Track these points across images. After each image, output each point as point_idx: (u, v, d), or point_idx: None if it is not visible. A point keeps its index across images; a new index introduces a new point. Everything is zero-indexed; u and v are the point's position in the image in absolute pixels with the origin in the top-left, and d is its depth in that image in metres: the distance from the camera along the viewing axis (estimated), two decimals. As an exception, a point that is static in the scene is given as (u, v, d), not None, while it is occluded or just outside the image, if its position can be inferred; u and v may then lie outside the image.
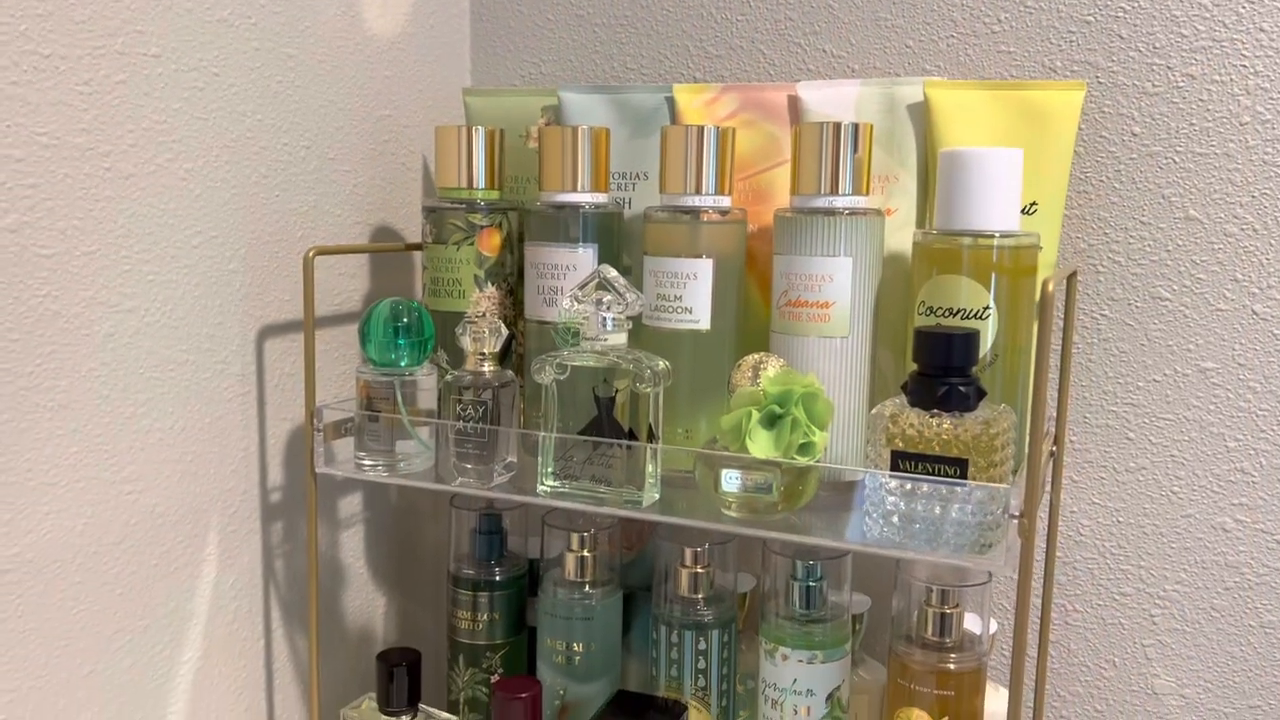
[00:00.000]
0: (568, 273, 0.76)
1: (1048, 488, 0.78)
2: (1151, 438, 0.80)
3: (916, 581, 0.73)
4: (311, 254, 0.75)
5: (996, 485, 0.59)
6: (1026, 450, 0.65)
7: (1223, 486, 0.79)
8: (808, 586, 0.75)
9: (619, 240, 0.79)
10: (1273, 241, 0.75)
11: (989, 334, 0.66)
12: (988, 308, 0.66)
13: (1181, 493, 0.80)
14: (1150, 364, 0.79)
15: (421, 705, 0.79)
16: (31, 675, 0.65)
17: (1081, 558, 0.83)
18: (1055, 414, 0.79)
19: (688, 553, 0.79)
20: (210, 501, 0.77)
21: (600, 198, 0.76)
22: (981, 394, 0.62)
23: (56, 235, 0.64)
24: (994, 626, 0.78)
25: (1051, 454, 0.76)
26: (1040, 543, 0.82)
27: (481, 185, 0.79)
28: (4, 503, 0.63)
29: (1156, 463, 0.80)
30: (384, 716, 0.78)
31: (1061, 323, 0.78)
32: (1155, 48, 0.76)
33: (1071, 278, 0.75)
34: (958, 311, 0.66)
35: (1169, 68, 0.76)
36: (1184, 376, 0.78)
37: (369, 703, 0.80)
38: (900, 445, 0.61)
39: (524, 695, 0.74)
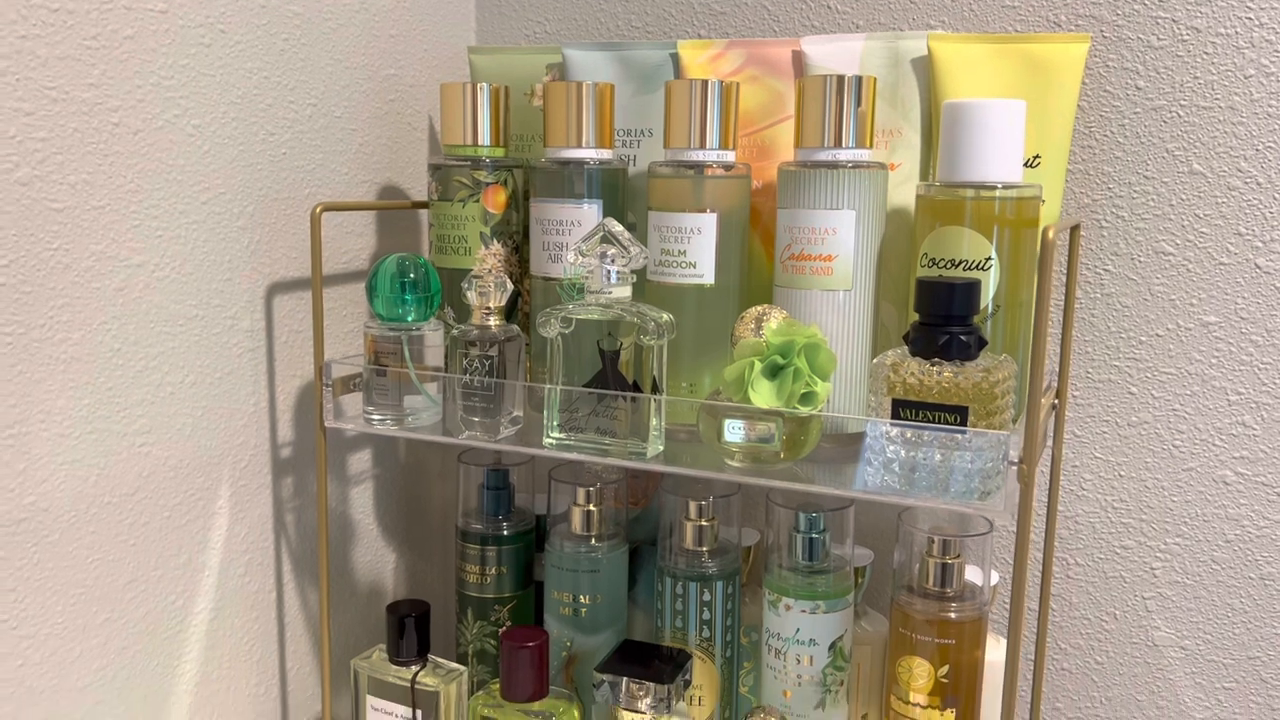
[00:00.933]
0: (573, 228, 0.76)
1: (1049, 441, 0.79)
2: (1154, 392, 0.80)
3: (918, 532, 0.74)
4: (318, 210, 0.76)
5: (996, 432, 0.60)
6: (1027, 399, 0.66)
7: (1224, 440, 0.79)
8: (810, 538, 0.76)
9: (624, 197, 0.79)
10: (1276, 195, 0.75)
11: (990, 285, 0.67)
12: (990, 258, 0.66)
13: (1183, 446, 0.80)
14: (1153, 318, 0.80)
15: (430, 655, 0.80)
16: (49, 621, 0.67)
17: (1083, 511, 0.84)
18: (1058, 368, 0.79)
19: (692, 506, 0.80)
20: (221, 455, 0.78)
21: (605, 154, 0.77)
22: (982, 343, 0.62)
23: (66, 189, 0.65)
24: (995, 578, 0.79)
25: (1053, 407, 0.77)
26: (1042, 496, 0.82)
27: (487, 142, 0.79)
28: (19, 452, 0.64)
29: (1158, 417, 0.81)
30: (394, 666, 0.79)
31: (1064, 277, 0.78)
32: (1160, 0, 0.76)
33: (1075, 231, 0.76)
34: (960, 263, 0.67)
35: (1174, 21, 0.76)
36: (1186, 331, 0.79)
37: (379, 654, 0.81)
38: (901, 394, 0.62)
39: (531, 644, 0.75)
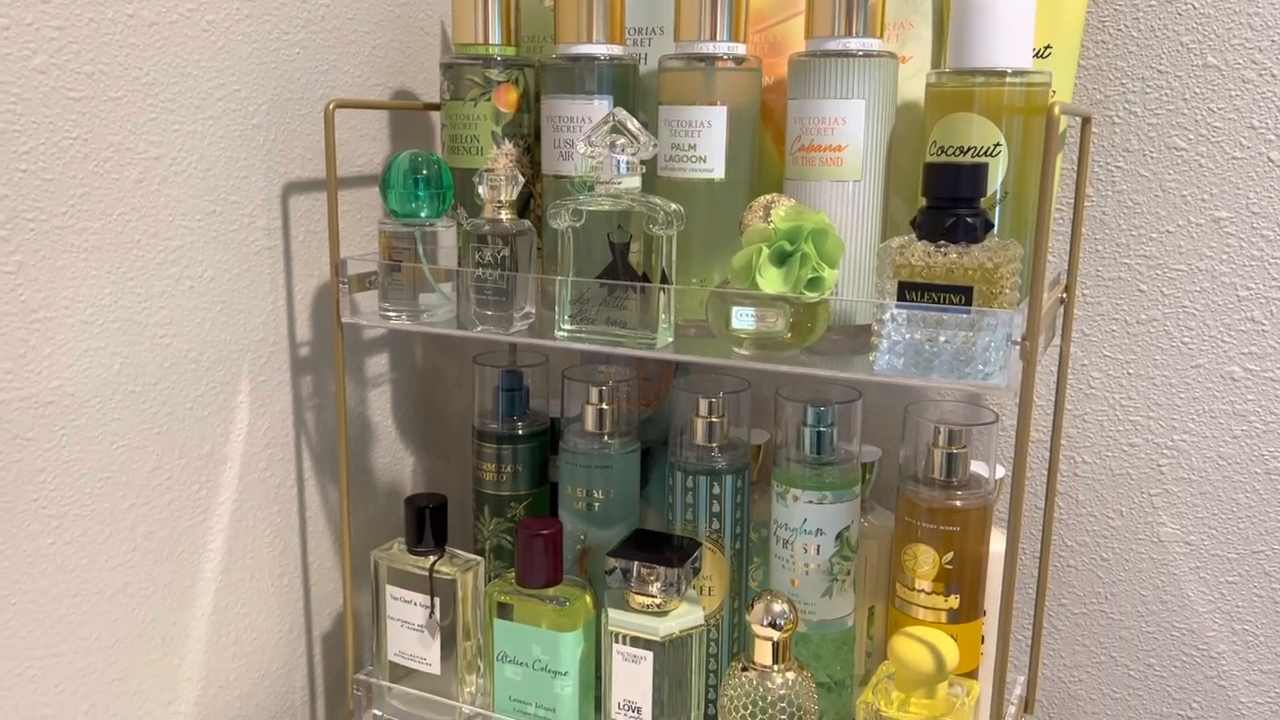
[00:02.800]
0: (583, 125, 0.77)
1: (1058, 339, 0.79)
2: (1164, 289, 0.81)
3: (924, 422, 0.75)
4: (331, 106, 0.76)
5: (1000, 311, 0.60)
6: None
7: (1233, 336, 0.79)
8: (818, 431, 0.77)
9: (634, 94, 0.79)
10: (1291, 87, 0.75)
11: (999, 171, 0.67)
12: (998, 144, 0.66)
13: (1192, 343, 0.81)
14: (1164, 215, 0.80)
15: (448, 546, 0.82)
16: (77, 503, 0.69)
17: (1091, 410, 0.84)
18: (1067, 265, 0.79)
19: (702, 403, 0.81)
20: (241, 350, 0.79)
21: (615, 49, 0.77)
22: (989, 226, 0.63)
23: (84, 79, 0.66)
24: (1001, 471, 0.80)
25: (1061, 300, 0.77)
26: (1050, 394, 0.83)
27: (498, 40, 0.80)
28: (44, 337, 0.66)
29: (1168, 314, 0.81)
30: (412, 556, 0.82)
31: (1075, 174, 0.78)
32: (1178, -112, 0.75)
33: (1086, 125, 0.75)
34: (968, 149, 0.67)
35: (1191, -91, 0.75)
36: (1197, 226, 0.79)
37: (398, 545, 0.83)
38: (907, 276, 0.63)
39: (546, 532, 0.77)
